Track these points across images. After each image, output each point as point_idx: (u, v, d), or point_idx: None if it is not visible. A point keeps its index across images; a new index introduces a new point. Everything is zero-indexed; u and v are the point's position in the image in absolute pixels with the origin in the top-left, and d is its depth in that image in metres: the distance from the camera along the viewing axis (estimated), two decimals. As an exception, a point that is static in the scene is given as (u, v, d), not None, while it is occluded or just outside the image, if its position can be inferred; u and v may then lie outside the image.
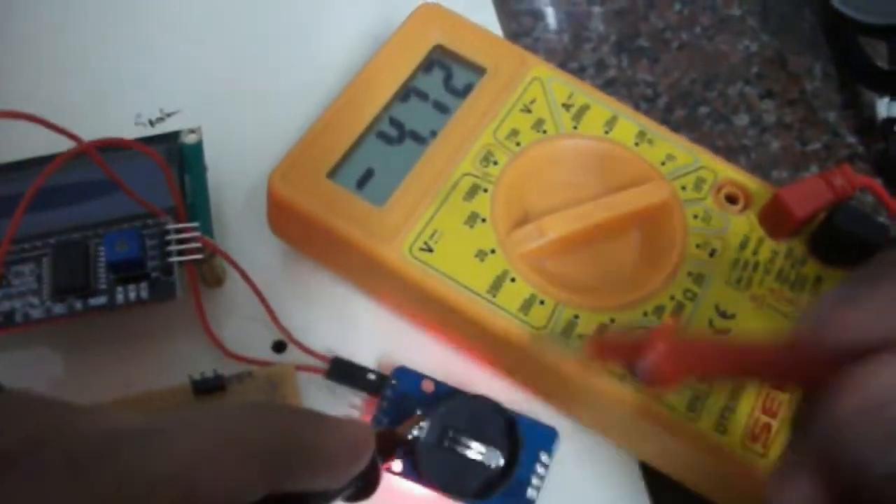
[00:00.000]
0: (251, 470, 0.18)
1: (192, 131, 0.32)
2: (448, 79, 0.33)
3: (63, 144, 0.28)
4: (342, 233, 0.29)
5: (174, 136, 0.32)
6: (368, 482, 0.23)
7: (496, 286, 0.29)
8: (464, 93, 0.33)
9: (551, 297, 0.29)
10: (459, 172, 0.31)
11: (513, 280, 0.29)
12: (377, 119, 0.32)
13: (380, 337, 0.31)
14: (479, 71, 0.33)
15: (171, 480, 0.17)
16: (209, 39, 0.38)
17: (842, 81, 0.39)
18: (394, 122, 0.32)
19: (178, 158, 0.31)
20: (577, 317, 0.29)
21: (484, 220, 0.30)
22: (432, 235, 0.29)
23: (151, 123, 0.35)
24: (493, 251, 0.29)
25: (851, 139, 0.38)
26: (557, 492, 0.29)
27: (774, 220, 0.31)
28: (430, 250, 0.29)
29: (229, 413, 0.20)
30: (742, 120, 0.38)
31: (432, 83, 0.33)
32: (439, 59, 0.34)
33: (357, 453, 0.22)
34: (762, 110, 0.38)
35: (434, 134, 0.32)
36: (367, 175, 0.31)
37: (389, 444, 0.27)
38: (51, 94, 0.35)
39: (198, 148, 0.32)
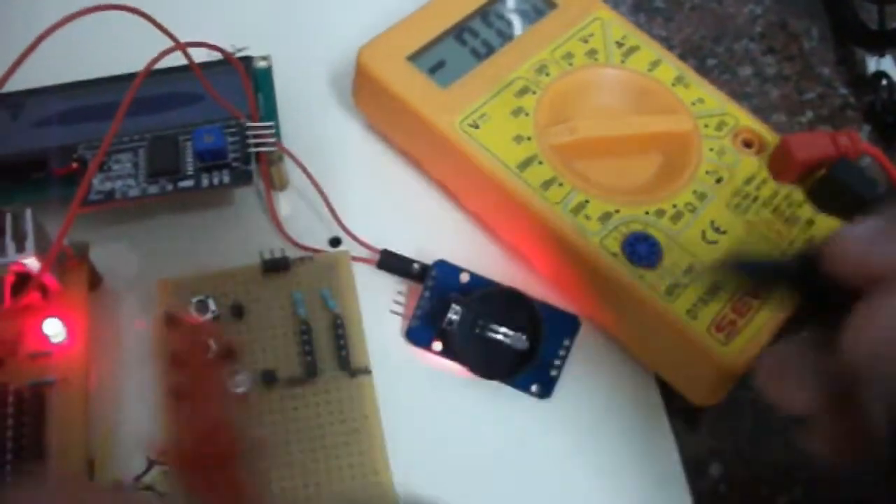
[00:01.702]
0: None
1: (263, 58, 0.37)
2: (524, 7, 0.38)
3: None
4: (410, 103, 0.34)
5: (248, 60, 0.37)
6: None
7: (525, 164, 0.33)
8: (534, 20, 0.37)
9: (568, 182, 0.33)
10: (514, 76, 0.35)
11: (540, 163, 0.33)
12: (458, 25, 0.37)
13: (424, 234, 0.35)
14: (552, 5, 0.38)
15: None
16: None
17: (836, 42, 0.43)
18: (470, 31, 0.37)
19: (252, 80, 0.36)
20: (587, 201, 0.32)
21: (527, 115, 0.34)
22: (481, 117, 0.34)
23: (225, 56, 0.39)
24: (528, 138, 0.34)
25: (844, 91, 0.42)
26: (577, 375, 0.32)
27: (779, 163, 0.34)
28: (477, 127, 0.34)
29: None
30: (746, 71, 0.42)
31: (509, 9, 0.38)
32: None
33: None
34: (764, 64, 0.42)
35: (501, 45, 0.36)
36: (439, 65, 0.36)
37: None
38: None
39: (268, 72, 0.37)
